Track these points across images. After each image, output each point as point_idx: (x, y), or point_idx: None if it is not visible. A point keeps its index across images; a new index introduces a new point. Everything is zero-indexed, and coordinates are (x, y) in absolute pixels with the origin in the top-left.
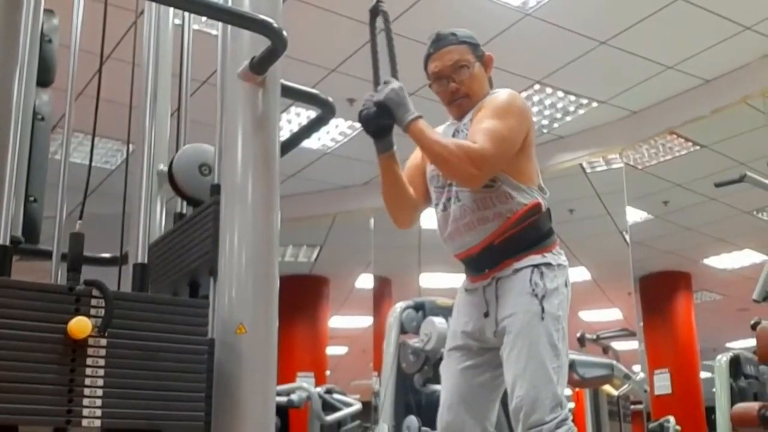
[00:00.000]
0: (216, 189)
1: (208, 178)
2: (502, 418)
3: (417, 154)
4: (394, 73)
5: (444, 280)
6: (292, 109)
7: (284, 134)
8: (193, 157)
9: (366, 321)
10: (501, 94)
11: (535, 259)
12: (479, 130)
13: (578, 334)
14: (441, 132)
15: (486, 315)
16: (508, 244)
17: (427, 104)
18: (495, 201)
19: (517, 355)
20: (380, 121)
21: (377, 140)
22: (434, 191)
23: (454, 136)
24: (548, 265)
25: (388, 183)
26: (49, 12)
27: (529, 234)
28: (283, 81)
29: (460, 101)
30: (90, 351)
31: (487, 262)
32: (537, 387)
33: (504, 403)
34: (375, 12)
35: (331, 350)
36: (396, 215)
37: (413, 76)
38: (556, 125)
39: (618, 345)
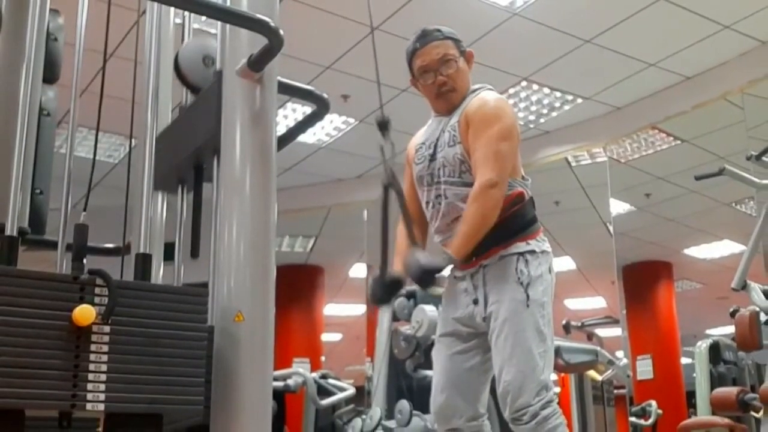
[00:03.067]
0: (218, 74)
1: (211, 69)
2: (491, 401)
3: (407, 172)
4: (413, 241)
5: None
6: (289, 104)
7: (281, 129)
8: (197, 49)
9: (359, 309)
10: (487, 102)
11: (520, 246)
12: (480, 157)
13: (563, 322)
14: (425, 132)
15: (475, 302)
16: (494, 232)
17: (416, 101)
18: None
19: (504, 341)
20: (432, 279)
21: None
22: (423, 191)
23: (439, 136)
24: (532, 252)
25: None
26: (54, 12)
27: (513, 222)
28: (279, 78)
29: (448, 94)
30: (94, 338)
31: (474, 250)
32: (523, 372)
33: (492, 388)
34: (388, 187)
35: (326, 337)
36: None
37: (406, 74)
38: (542, 120)
39: (602, 332)
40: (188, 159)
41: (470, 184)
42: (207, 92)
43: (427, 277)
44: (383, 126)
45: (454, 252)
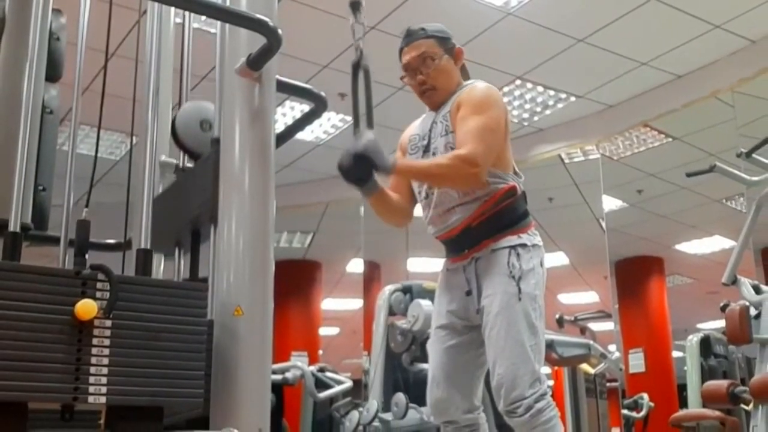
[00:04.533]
0: (216, 142)
1: (208, 133)
2: (486, 393)
3: (397, 156)
4: (370, 124)
5: (431, 265)
6: (287, 103)
7: (279, 127)
8: (194, 113)
9: (356, 303)
10: (477, 89)
11: (512, 239)
12: (466, 133)
13: (557, 316)
14: (417, 124)
15: (468, 293)
16: (486, 225)
17: (412, 98)
18: (473, 187)
19: (497, 334)
20: (359, 172)
21: (361, 187)
22: (417, 183)
23: (432, 127)
24: (524, 245)
25: (381, 210)
26: (57, 11)
27: (505, 215)
28: (278, 76)
29: (428, 93)
30: (96, 332)
31: (466, 242)
32: (516, 365)
33: (487, 381)
34: (357, 66)
35: (324, 331)
36: (393, 223)
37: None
38: (536, 118)
39: (595, 326)
40: (186, 224)
41: None
42: (205, 161)
43: (358, 163)
44: (355, 6)
45: (401, 165)
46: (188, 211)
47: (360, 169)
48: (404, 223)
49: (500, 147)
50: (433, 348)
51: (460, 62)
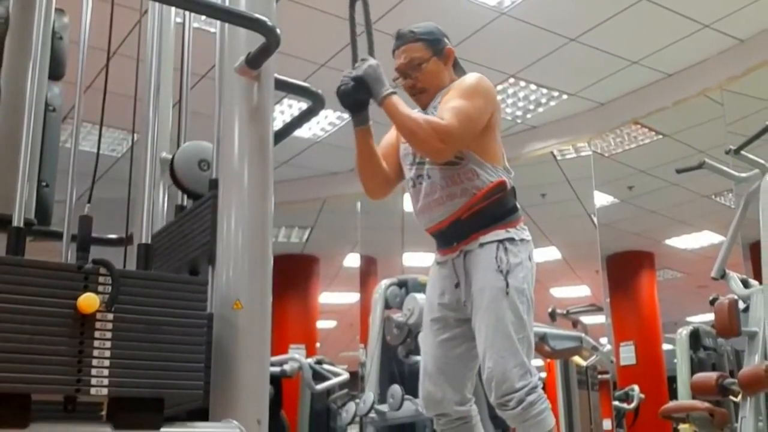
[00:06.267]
0: (214, 184)
1: (207, 173)
2: (479, 386)
3: (393, 132)
4: (371, 52)
5: (426, 260)
6: (285, 101)
7: (277, 124)
8: (192, 153)
9: (353, 297)
10: (469, 77)
11: (500, 233)
12: (447, 109)
13: (549, 310)
14: None
15: (457, 285)
16: (475, 218)
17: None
18: (462, 178)
19: (486, 328)
20: (357, 96)
21: (354, 114)
22: (406, 168)
23: None
24: (512, 240)
25: (363, 155)
26: (60, 11)
27: (494, 209)
28: (276, 75)
29: (418, 95)
30: (98, 325)
31: (455, 235)
32: (505, 358)
33: (479, 373)
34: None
35: (321, 324)
36: (368, 185)
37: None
38: (529, 116)
39: (586, 319)
40: (184, 264)
41: (454, 164)
42: (204, 203)
43: (356, 87)
44: None
45: (392, 100)
46: (187, 252)
47: (358, 93)
48: (381, 192)
49: (475, 134)
50: (425, 341)
51: (450, 62)
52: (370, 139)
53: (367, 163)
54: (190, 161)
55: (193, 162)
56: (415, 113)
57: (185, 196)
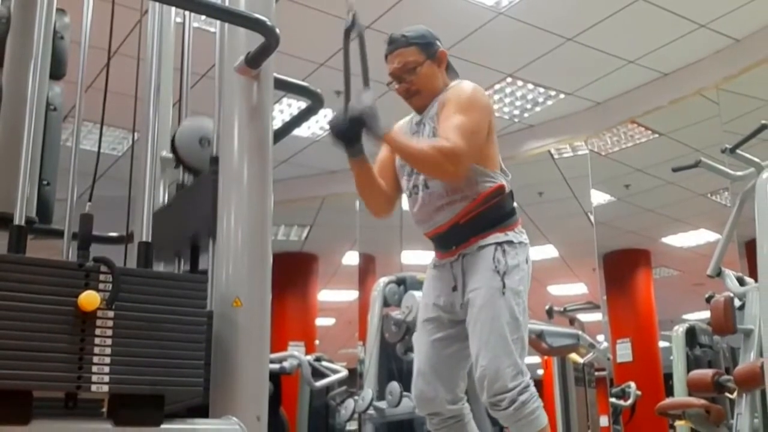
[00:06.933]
0: (215, 160)
1: (207, 150)
2: (471, 385)
3: (386, 148)
4: (366, 83)
5: (424, 258)
6: (284, 100)
7: (277, 123)
8: (193, 130)
9: (352, 295)
10: (464, 89)
11: (499, 236)
12: (449, 128)
13: (546, 307)
14: (405, 123)
15: (454, 289)
16: (473, 222)
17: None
18: (462, 186)
19: (481, 328)
20: (354, 133)
21: (350, 148)
22: (404, 180)
23: (418, 126)
24: (510, 242)
25: (362, 184)
26: (61, 11)
27: (492, 213)
28: (275, 74)
29: (414, 97)
30: (98, 322)
31: (453, 239)
32: (499, 357)
33: (469, 372)
34: (350, 30)
35: (320, 321)
36: (371, 207)
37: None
38: (526, 115)
39: (583, 317)
40: (185, 239)
41: None
42: (204, 179)
43: (352, 125)
44: None
45: (392, 135)
46: (188, 226)
47: (352, 130)
48: (386, 210)
49: (480, 148)
50: (419, 341)
51: (443, 64)
52: (366, 166)
53: (367, 189)
54: (190, 139)
55: (194, 139)
56: (418, 141)
57: (185, 176)
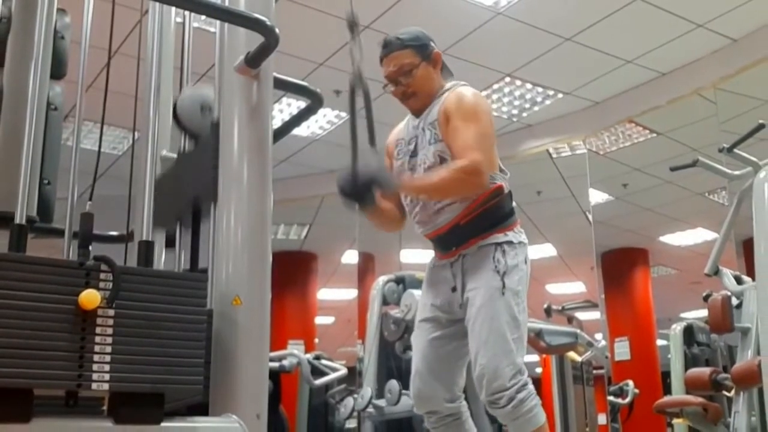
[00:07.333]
0: (216, 126)
1: (208, 117)
2: (471, 383)
3: (385, 161)
4: (372, 142)
5: (423, 256)
6: (284, 99)
7: (276, 123)
8: (195, 98)
9: (351, 293)
10: (465, 97)
11: (498, 237)
12: (463, 144)
13: (545, 306)
14: (402, 128)
15: (453, 289)
16: (473, 223)
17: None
18: (478, 193)
19: (480, 327)
20: (367, 195)
21: (363, 206)
22: None
23: (419, 135)
24: (510, 243)
25: (378, 222)
26: (61, 11)
27: (492, 214)
28: (275, 74)
29: (410, 99)
30: (99, 321)
31: (454, 240)
32: (498, 356)
33: (469, 371)
34: (355, 87)
35: (319, 320)
36: (388, 230)
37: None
38: (525, 114)
39: (581, 315)
40: (187, 204)
41: None
42: (205, 143)
43: (363, 187)
44: (352, 27)
45: (406, 183)
46: (189, 192)
47: (364, 192)
48: (399, 228)
49: (492, 150)
50: (417, 340)
51: (438, 65)
52: (379, 209)
53: (385, 224)
54: (192, 105)
55: (195, 106)
56: (434, 174)
57: (186, 143)
